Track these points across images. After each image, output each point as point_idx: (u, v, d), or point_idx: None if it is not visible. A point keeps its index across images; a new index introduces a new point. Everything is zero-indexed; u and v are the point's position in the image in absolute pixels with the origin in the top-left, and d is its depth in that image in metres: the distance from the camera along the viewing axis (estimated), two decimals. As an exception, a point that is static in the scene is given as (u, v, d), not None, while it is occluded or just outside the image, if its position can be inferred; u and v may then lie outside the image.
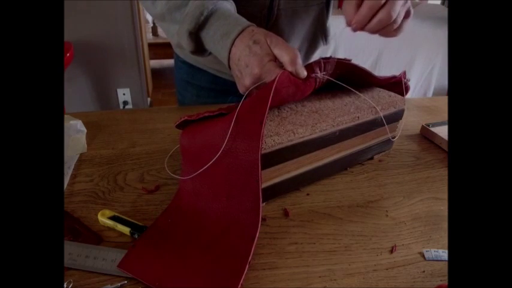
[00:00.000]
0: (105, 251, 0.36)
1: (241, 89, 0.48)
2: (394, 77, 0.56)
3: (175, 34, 0.53)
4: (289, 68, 0.43)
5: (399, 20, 0.47)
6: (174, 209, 0.42)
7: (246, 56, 0.45)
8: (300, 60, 0.43)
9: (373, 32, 0.48)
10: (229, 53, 0.47)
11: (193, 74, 0.78)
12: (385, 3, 0.45)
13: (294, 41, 0.70)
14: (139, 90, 2.12)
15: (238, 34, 0.46)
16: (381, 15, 0.45)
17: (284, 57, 0.43)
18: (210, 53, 0.54)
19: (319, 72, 0.46)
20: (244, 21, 0.48)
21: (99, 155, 0.54)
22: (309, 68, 0.46)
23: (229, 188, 0.40)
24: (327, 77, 0.47)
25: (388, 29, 0.47)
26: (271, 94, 0.39)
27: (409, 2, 0.48)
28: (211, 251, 0.36)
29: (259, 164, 0.38)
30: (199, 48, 0.53)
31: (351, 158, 0.53)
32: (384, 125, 0.54)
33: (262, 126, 0.37)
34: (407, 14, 0.49)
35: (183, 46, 0.54)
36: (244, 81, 0.46)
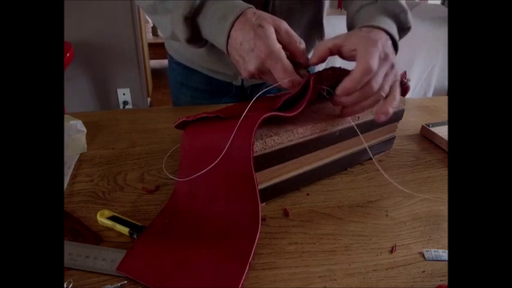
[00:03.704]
0: (105, 251, 0.36)
1: (244, 74, 0.46)
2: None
3: (169, 23, 0.50)
4: (299, 57, 0.43)
5: (383, 92, 0.43)
6: (170, 210, 0.42)
7: (250, 40, 0.42)
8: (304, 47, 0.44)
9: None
10: (228, 37, 0.45)
11: (187, 76, 0.77)
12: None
13: None
14: (139, 90, 2.12)
15: (238, 16, 0.44)
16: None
17: (292, 46, 0.43)
18: (206, 42, 0.52)
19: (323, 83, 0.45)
20: (242, 3, 0.45)
21: (99, 155, 0.54)
22: (317, 80, 0.44)
23: (228, 191, 0.40)
24: (327, 88, 0.46)
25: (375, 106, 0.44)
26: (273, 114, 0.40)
27: (396, 71, 0.45)
28: (212, 251, 0.36)
29: (253, 169, 0.38)
30: (194, 35, 0.49)
31: (351, 158, 0.53)
32: (384, 125, 0.54)
33: (252, 136, 0.37)
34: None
35: (177, 37, 0.50)
36: (247, 66, 0.44)
